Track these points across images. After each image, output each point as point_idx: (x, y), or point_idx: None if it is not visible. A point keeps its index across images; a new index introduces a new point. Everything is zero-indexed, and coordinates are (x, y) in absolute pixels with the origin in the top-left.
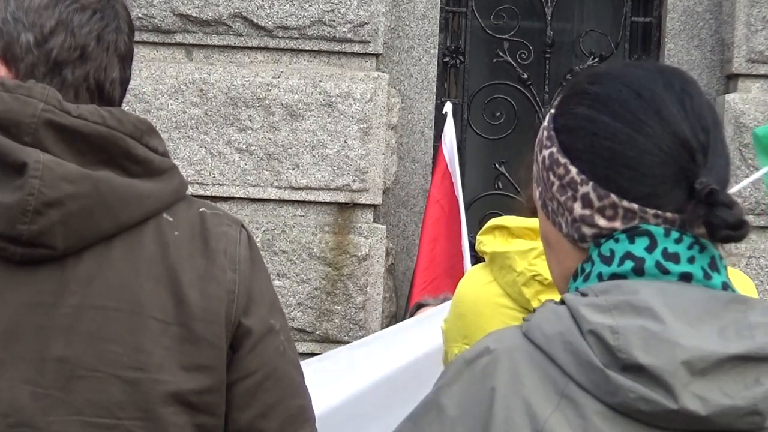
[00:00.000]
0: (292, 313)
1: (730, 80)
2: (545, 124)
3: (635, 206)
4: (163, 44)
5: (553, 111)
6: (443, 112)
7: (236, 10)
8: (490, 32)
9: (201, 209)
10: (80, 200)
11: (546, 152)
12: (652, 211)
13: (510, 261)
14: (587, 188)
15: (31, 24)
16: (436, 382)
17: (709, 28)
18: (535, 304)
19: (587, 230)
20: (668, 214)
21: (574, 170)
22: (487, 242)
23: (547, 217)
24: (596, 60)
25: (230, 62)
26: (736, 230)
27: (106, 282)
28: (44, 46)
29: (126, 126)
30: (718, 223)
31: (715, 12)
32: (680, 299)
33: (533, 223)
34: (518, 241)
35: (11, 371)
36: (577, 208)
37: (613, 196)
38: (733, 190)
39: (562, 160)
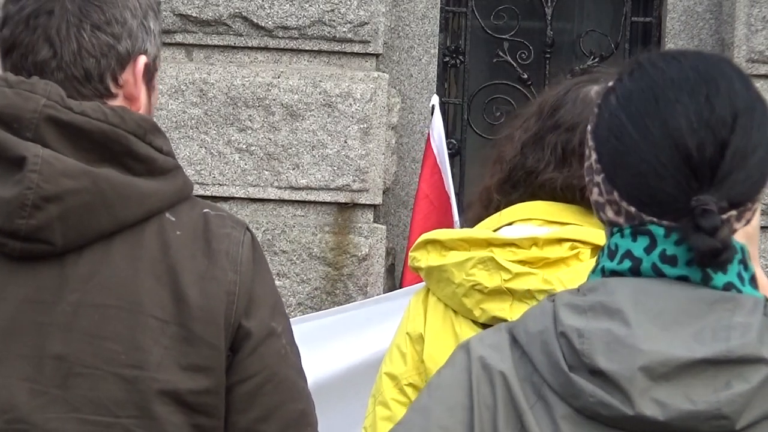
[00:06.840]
0: (292, 313)
1: None
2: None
3: (633, 209)
4: (163, 44)
5: (611, 84)
6: (430, 105)
7: (236, 10)
8: (490, 32)
9: (204, 210)
10: (79, 196)
11: (591, 125)
12: (649, 218)
13: (447, 274)
14: (599, 178)
15: None
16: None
17: (709, 28)
18: (477, 313)
19: (603, 216)
20: (665, 222)
21: (594, 156)
22: (420, 258)
23: None
24: (596, 60)
25: (230, 62)
26: (712, 258)
27: (105, 280)
28: None
29: (128, 124)
30: (694, 248)
31: (715, 12)
32: (658, 301)
33: (465, 234)
34: (453, 253)
35: (9, 368)
36: (595, 193)
37: (616, 194)
38: None
39: (591, 142)
